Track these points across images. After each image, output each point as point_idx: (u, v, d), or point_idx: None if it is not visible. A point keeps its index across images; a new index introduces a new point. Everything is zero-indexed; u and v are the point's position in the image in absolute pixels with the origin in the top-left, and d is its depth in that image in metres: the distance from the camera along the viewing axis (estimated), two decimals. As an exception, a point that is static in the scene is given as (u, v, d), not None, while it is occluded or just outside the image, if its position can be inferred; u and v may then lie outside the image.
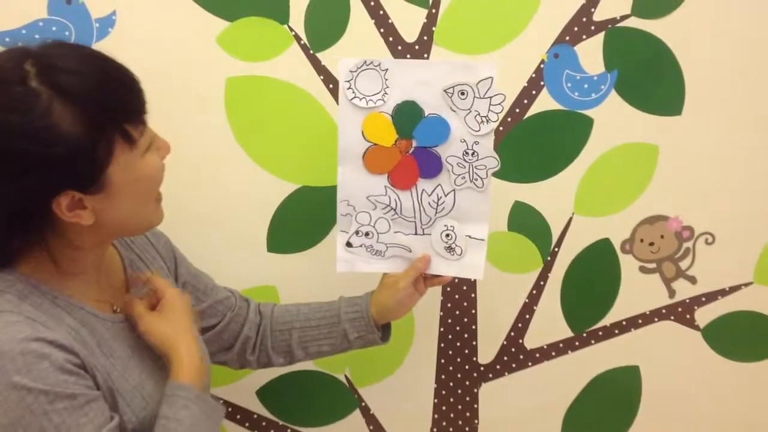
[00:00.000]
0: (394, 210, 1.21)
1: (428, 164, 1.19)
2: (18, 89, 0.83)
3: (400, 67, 1.17)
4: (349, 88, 1.17)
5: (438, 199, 1.19)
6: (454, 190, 1.19)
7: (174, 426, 0.92)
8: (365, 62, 1.16)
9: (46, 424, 0.83)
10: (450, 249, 1.21)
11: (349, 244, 1.23)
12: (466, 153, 1.17)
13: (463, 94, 1.15)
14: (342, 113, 1.18)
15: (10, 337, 0.83)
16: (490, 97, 1.16)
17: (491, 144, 1.17)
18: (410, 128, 1.18)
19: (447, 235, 1.20)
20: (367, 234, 1.22)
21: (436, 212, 1.20)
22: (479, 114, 1.16)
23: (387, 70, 1.16)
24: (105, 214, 0.91)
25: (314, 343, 1.24)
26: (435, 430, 1.55)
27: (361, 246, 1.23)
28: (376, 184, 1.20)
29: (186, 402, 0.94)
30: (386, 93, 1.17)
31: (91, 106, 0.85)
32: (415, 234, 1.22)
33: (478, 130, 1.17)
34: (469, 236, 1.21)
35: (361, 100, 1.17)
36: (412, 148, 1.18)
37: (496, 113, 1.16)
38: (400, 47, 1.36)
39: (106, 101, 0.87)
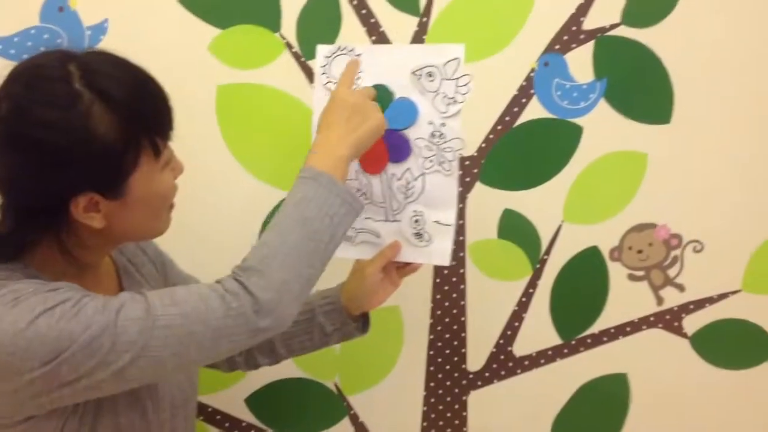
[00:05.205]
0: (365, 195, 1.20)
1: (397, 147, 1.17)
2: (62, 87, 0.85)
3: (373, 52, 1.18)
4: (324, 73, 1.18)
5: (407, 184, 1.18)
6: (423, 173, 1.17)
7: (287, 198, 0.97)
8: (339, 48, 1.17)
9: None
10: (418, 235, 1.19)
11: None
12: (434, 135, 1.16)
13: (430, 75, 1.15)
14: (317, 99, 1.18)
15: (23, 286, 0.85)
16: (457, 78, 1.15)
17: (458, 125, 1.15)
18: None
19: (416, 221, 1.18)
20: None
21: (405, 197, 1.19)
22: (446, 95, 1.15)
23: (360, 55, 1.17)
24: (115, 221, 0.92)
25: (295, 340, 1.23)
26: (424, 437, 1.56)
27: None
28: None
29: (304, 179, 0.98)
30: (359, 78, 1.16)
31: (129, 114, 0.87)
32: (385, 221, 1.20)
33: (445, 112, 1.15)
34: (437, 222, 1.19)
35: (334, 85, 1.16)
36: None
37: (462, 94, 1.15)
38: (390, 55, 1.37)
39: (143, 110, 0.90)
